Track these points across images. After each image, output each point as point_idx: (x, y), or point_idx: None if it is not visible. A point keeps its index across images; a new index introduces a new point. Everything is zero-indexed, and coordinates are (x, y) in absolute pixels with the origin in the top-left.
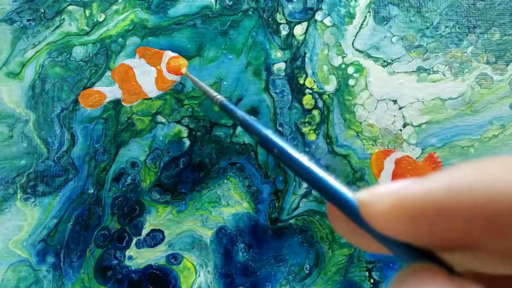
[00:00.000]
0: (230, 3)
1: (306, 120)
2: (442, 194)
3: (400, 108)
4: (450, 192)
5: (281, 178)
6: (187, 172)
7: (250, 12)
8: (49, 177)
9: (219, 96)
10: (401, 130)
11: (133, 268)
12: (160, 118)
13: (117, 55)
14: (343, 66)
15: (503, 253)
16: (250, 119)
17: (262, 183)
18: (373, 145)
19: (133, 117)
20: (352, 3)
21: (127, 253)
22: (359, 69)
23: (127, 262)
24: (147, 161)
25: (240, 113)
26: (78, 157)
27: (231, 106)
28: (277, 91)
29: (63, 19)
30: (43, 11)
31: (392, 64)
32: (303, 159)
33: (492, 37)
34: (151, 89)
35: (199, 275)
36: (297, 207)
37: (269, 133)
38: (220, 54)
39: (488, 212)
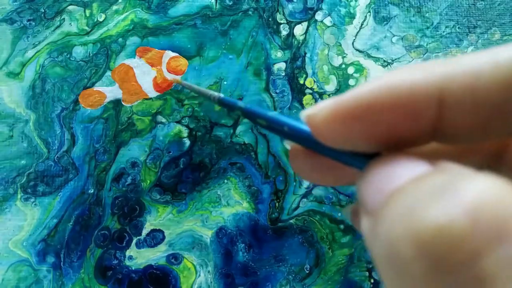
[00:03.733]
0: (230, 3)
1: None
2: (367, 94)
3: None
4: (373, 91)
5: (281, 178)
6: (187, 172)
7: (250, 12)
8: (49, 177)
9: (216, 94)
10: None
11: (133, 268)
12: (160, 118)
13: (117, 55)
14: (343, 66)
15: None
16: (252, 106)
17: (262, 183)
18: None
19: (133, 117)
20: (352, 3)
21: (127, 253)
22: (359, 69)
23: (127, 262)
24: (147, 161)
25: (241, 103)
26: (78, 157)
27: (231, 100)
28: (277, 91)
29: (63, 19)
30: (43, 11)
31: (392, 64)
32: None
33: (492, 37)
34: (151, 89)
35: (199, 275)
36: (297, 207)
37: (275, 114)
38: (220, 54)
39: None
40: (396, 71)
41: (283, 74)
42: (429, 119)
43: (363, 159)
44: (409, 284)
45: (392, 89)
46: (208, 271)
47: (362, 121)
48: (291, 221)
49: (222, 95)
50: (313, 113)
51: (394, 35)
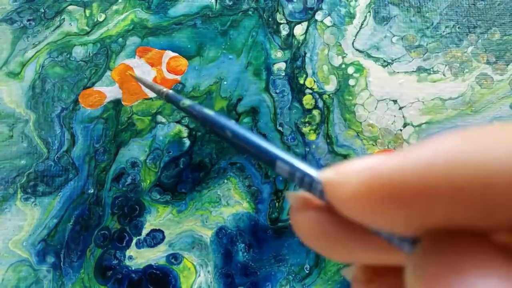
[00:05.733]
0: (230, 3)
1: (306, 120)
2: (421, 171)
3: (400, 108)
4: (432, 168)
5: (281, 178)
6: (187, 172)
7: (250, 12)
8: (49, 177)
9: (165, 90)
10: (401, 130)
11: (133, 268)
12: (160, 118)
13: (117, 55)
14: (343, 66)
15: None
16: (197, 105)
17: (262, 183)
18: (373, 145)
19: (133, 117)
20: (352, 3)
21: (127, 253)
22: (359, 69)
23: (127, 262)
24: (147, 161)
25: (188, 101)
26: (78, 157)
27: (178, 96)
28: (277, 91)
29: (63, 19)
30: (43, 11)
31: (392, 64)
32: (255, 137)
33: (492, 37)
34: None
35: (199, 275)
36: None
37: (217, 115)
38: (220, 54)
39: (480, 191)
40: (462, 133)
41: (283, 74)
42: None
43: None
44: None
45: (457, 168)
46: (208, 271)
47: (411, 208)
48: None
49: (170, 91)
50: (338, 181)
51: (394, 35)
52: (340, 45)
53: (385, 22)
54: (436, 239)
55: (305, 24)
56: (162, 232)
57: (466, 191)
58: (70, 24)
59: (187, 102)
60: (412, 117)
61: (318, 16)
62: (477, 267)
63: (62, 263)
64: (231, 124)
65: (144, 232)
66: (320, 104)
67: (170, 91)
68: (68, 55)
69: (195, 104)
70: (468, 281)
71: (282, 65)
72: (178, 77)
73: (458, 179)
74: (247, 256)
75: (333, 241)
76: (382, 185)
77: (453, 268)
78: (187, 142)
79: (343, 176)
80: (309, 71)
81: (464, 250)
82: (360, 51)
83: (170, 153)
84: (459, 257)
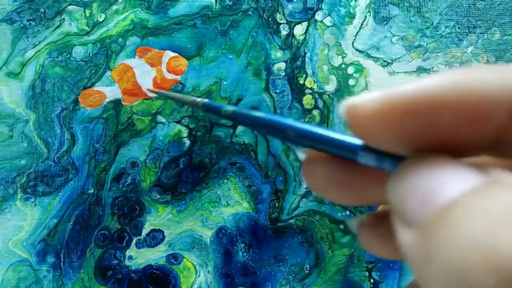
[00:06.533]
0: (230, 3)
1: (306, 120)
2: (430, 87)
3: None
4: (438, 85)
5: (281, 178)
6: (187, 172)
7: (250, 12)
8: (49, 177)
9: (199, 99)
10: None
11: (133, 268)
12: (160, 118)
13: (117, 55)
14: (343, 66)
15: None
16: (243, 109)
17: (262, 183)
18: None
19: (133, 117)
20: (352, 3)
21: (127, 253)
22: (359, 69)
23: (127, 262)
24: (147, 161)
25: (229, 106)
26: (78, 157)
27: (217, 104)
28: (277, 91)
29: (63, 19)
30: (43, 11)
31: (392, 64)
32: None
33: (492, 37)
34: None
35: (199, 275)
36: (297, 207)
37: (270, 116)
38: (220, 54)
39: (476, 104)
40: (466, 69)
41: (283, 74)
42: (495, 127)
43: (392, 160)
44: None
45: (461, 86)
46: (208, 271)
47: (419, 119)
48: (291, 221)
49: (206, 100)
50: (360, 103)
51: (394, 35)
52: (340, 45)
53: (385, 22)
54: (417, 158)
55: (305, 24)
56: (162, 232)
57: (464, 104)
58: (70, 24)
59: (229, 108)
60: None
61: (318, 16)
62: (446, 175)
63: (62, 263)
64: (290, 122)
65: (144, 232)
66: (320, 104)
67: (206, 100)
68: (68, 55)
69: (239, 109)
70: (434, 181)
71: (282, 65)
72: (178, 77)
73: (460, 97)
74: (247, 256)
75: (342, 186)
76: (396, 101)
77: (425, 178)
78: (187, 142)
79: (363, 99)
80: (309, 71)
81: (438, 164)
82: (360, 51)
83: (170, 153)
84: (431, 169)
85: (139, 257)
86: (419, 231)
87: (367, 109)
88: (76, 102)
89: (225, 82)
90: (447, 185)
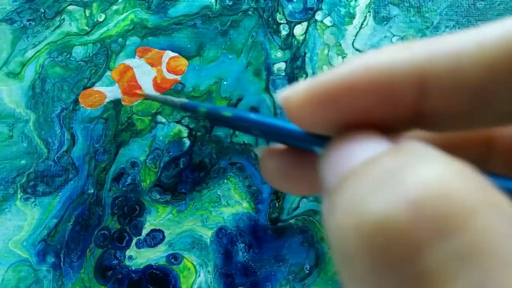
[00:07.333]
0: (230, 3)
1: None
2: (342, 74)
3: None
4: (349, 71)
5: None
6: (187, 172)
7: (250, 12)
8: (49, 177)
9: (177, 100)
10: None
11: (133, 268)
12: (160, 118)
13: (117, 55)
14: None
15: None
16: (218, 107)
17: (262, 183)
18: None
19: (133, 117)
20: (352, 3)
21: (127, 253)
22: None
23: (127, 262)
24: (147, 161)
25: (204, 105)
26: (78, 157)
27: (194, 103)
28: (277, 91)
29: (63, 19)
30: (43, 11)
31: None
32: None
33: None
34: (151, 89)
35: (199, 275)
36: (297, 207)
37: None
38: (220, 54)
39: (384, 84)
40: (377, 50)
41: (283, 74)
42: (409, 103)
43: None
44: (356, 278)
45: (369, 69)
46: (208, 271)
47: (338, 104)
48: (291, 221)
49: (185, 100)
50: (289, 96)
51: (394, 35)
52: (340, 45)
53: (385, 22)
54: (338, 135)
55: (305, 24)
56: (162, 232)
57: (375, 86)
58: (70, 24)
59: (203, 108)
60: None
61: (318, 16)
62: (355, 146)
63: (62, 263)
64: (252, 116)
65: (144, 232)
66: None
67: (186, 100)
68: (68, 55)
69: (213, 108)
70: (344, 151)
71: (282, 65)
72: (178, 77)
73: (370, 79)
74: (247, 256)
75: (293, 178)
76: (317, 90)
77: (339, 150)
78: (187, 142)
79: (292, 91)
80: (309, 71)
81: (352, 138)
82: (360, 51)
83: (170, 153)
84: (345, 143)
85: (139, 257)
86: (326, 198)
87: (296, 99)
88: (76, 102)
89: (225, 82)
90: (355, 153)
